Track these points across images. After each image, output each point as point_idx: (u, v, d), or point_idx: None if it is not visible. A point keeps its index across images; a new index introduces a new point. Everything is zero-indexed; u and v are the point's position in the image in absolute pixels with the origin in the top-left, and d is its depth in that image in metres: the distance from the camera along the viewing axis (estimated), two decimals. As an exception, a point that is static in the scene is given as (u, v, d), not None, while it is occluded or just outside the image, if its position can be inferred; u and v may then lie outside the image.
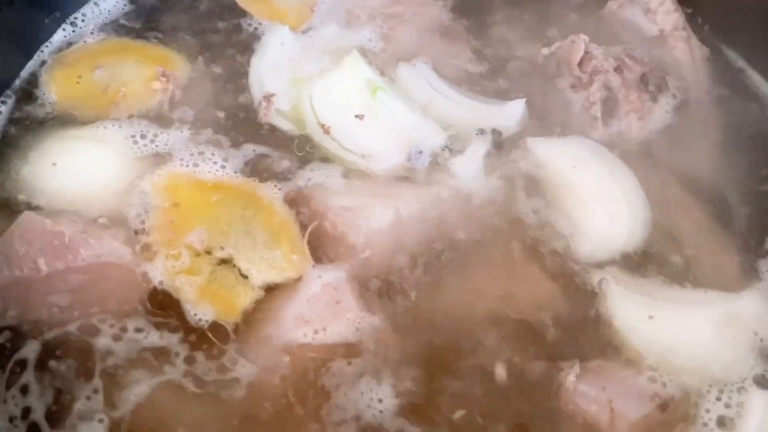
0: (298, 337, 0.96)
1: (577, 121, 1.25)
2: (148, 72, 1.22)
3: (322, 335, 0.96)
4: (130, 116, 1.18)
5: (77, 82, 1.21)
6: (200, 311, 0.98)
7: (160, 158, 1.13)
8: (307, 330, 0.96)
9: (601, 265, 1.09)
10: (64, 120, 1.17)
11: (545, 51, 1.33)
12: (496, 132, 1.20)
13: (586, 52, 1.27)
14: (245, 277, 1.01)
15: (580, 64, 1.27)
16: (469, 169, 1.15)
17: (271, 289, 1.01)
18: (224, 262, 1.02)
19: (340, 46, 1.29)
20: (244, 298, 1.00)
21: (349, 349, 0.96)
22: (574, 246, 1.10)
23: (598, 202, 1.14)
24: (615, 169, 1.18)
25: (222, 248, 1.03)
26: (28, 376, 0.91)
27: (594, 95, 1.25)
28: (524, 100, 1.23)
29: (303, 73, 1.23)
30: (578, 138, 1.22)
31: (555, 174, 1.18)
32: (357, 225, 1.02)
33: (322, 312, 0.98)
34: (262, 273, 1.02)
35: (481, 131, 1.20)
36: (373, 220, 1.03)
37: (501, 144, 1.19)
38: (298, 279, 1.01)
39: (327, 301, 0.98)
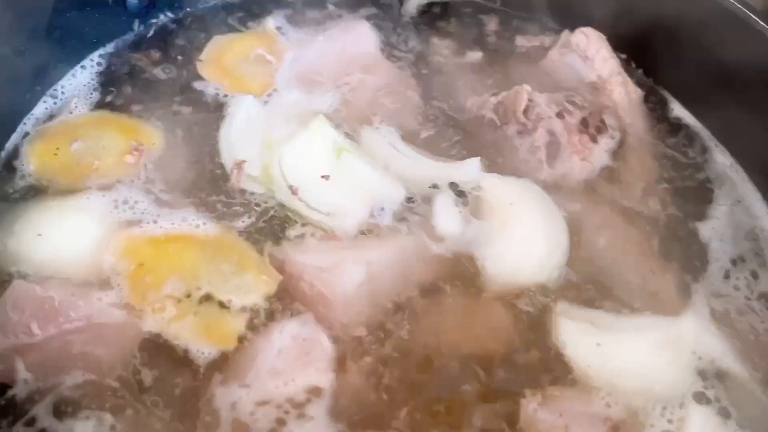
0: (269, 389, 1.01)
1: (524, 164, 1.33)
2: (123, 145, 1.28)
3: (292, 386, 1.02)
4: (107, 186, 1.23)
5: (55, 155, 1.27)
6: (202, 348, 1.06)
7: (134, 224, 1.19)
8: (278, 382, 1.02)
9: (549, 299, 1.16)
10: (42, 191, 1.23)
11: (493, 100, 1.40)
12: (453, 185, 1.26)
13: (529, 101, 1.35)
14: (228, 307, 1.09)
15: (525, 111, 1.34)
16: (447, 221, 1.22)
17: (244, 339, 1.07)
18: (205, 299, 1.10)
19: (303, 111, 1.35)
20: (235, 324, 1.09)
21: (317, 395, 1.02)
22: (521, 281, 1.17)
23: (534, 238, 1.21)
24: (549, 209, 1.26)
25: (199, 288, 1.10)
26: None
27: (538, 140, 1.33)
28: (479, 158, 1.30)
29: (271, 138, 1.27)
30: (525, 180, 1.29)
31: (497, 209, 1.24)
32: (333, 284, 1.09)
33: (293, 364, 1.03)
34: (240, 298, 1.10)
35: (435, 186, 1.26)
36: (347, 278, 1.09)
37: (463, 194, 1.26)
38: (270, 333, 1.07)
39: (297, 353, 1.04)
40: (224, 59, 1.48)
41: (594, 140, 1.35)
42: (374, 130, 1.35)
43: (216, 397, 1.02)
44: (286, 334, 1.06)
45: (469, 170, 1.29)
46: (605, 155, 1.37)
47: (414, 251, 1.18)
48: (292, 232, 1.21)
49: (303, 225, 1.21)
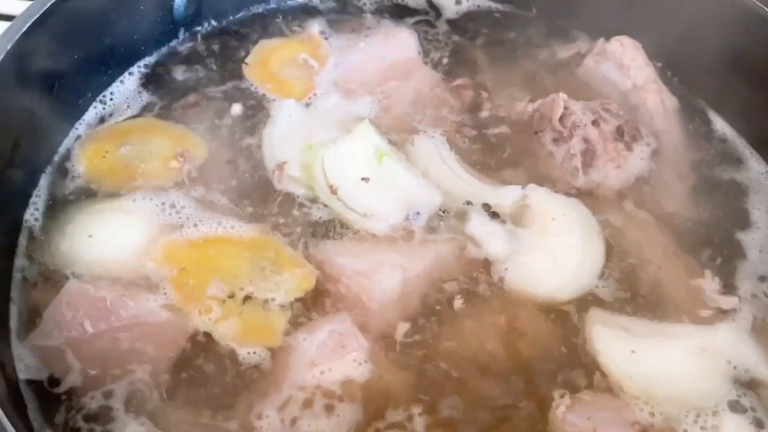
0: (307, 379, 1.06)
1: (560, 171, 1.35)
2: (169, 151, 1.31)
3: (328, 375, 1.06)
4: (153, 190, 1.26)
5: (104, 157, 1.31)
6: (248, 346, 1.10)
7: (178, 227, 1.22)
8: (315, 371, 1.06)
9: (584, 306, 1.18)
10: (91, 193, 1.27)
11: (529, 108, 1.42)
12: (486, 206, 1.28)
13: (565, 109, 1.36)
14: (270, 305, 1.13)
15: (561, 119, 1.36)
16: (484, 239, 1.24)
17: (289, 333, 1.11)
18: (248, 298, 1.13)
19: (344, 115, 1.39)
20: (279, 321, 1.12)
21: (352, 387, 1.06)
22: (556, 290, 1.19)
23: (567, 257, 1.22)
24: (591, 231, 1.27)
25: (241, 288, 1.14)
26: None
27: (574, 148, 1.34)
28: (520, 186, 1.30)
29: (313, 140, 1.31)
30: (574, 200, 1.30)
31: (539, 221, 1.26)
32: (370, 288, 1.12)
33: (329, 355, 1.07)
34: (281, 296, 1.14)
35: (469, 203, 1.28)
36: (384, 283, 1.12)
37: (496, 215, 1.27)
38: (309, 329, 1.11)
39: (334, 346, 1.08)
40: (269, 63, 1.51)
41: (629, 148, 1.37)
42: (429, 138, 1.38)
43: (261, 392, 1.06)
44: (324, 329, 1.10)
45: (508, 195, 1.30)
46: (640, 163, 1.38)
47: (449, 258, 1.21)
48: (330, 233, 1.24)
49: (341, 226, 1.25)
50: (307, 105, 1.43)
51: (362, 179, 1.27)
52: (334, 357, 1.07)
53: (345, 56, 1.52)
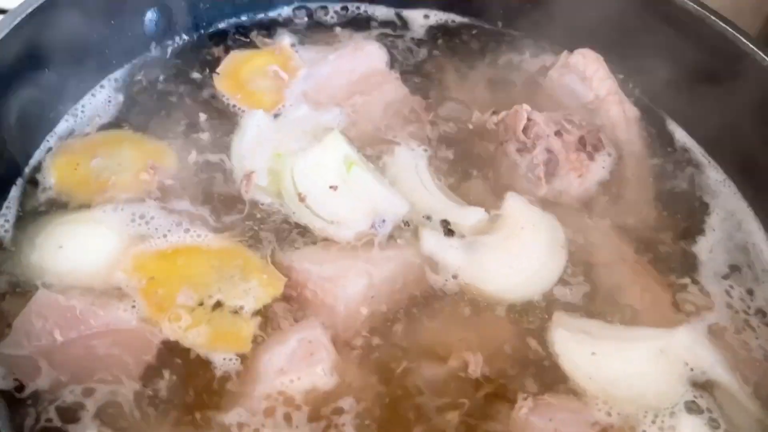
0: (276, 386, 1.08)
1: (524, 180, 1.37)
2: (139, 163, 1.32)
3: (297, 383, 1.08)
4: (123, 202, 1.27)
5: (74, 170, 1.32)
6: (218, 353, 1.12)
7: (147, 238, 1.23)
8: (284, 379, 1.08)
9: (547, 310, 1.21)
10: (62, 205, 1.28)
11: (494, 119, 1.45)
12: (445, 222, 1.29)
13: (528, 120, 1.39)
14: (239, 312, 1.15)
15: (524, 130, 1.38)
16: (438, 252, 1.26)
17: (257, 343, 1.13)
18: (218, 306, 1.15)
19: (314, 126, 1.41)
20: (248, 328, 1.14)
21: (319, 394, 1.08)
22: (506, 291, 1.22)
23: (524, 263, 1.25)
24: (557, 246, 1.29)
25: (210, 296, 1.15)
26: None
27: (537, 158, 1.36)
28: (483, 209, 1.31)
29: (283, 150, 1.34)
30: (549, 215, 1.33)
31: (507, 226, 1.29)
32: (336, 294, 1.14)
33: (298, 363, 1.09)
34: (250, 303, 1.15)
35: (428, 217, 1.30)
36: (350, 288, 1.15)
37: (451, 232, 1.28)
38: (278, 336, 1.13)
39: (303, 354, 1.10)
40: (240, 74, 1.53)
41: (591, 158, 1.40)
42: (410, 150, 1.41)
43: (230, 400, 1.08)
44: (293, 337, 1.12)
45: (469, 216, 1.31)
46: (602, 172, 1.41)
47: (413, 264, 1.24)
48: (297, 241, 1.26)
49: (309, 234, 1.27)
50: (276, 116, 1.46)
51: (330, 187, 1.29)
52: (303, 365, 1.09)
53: (315, 68, 1.54)
